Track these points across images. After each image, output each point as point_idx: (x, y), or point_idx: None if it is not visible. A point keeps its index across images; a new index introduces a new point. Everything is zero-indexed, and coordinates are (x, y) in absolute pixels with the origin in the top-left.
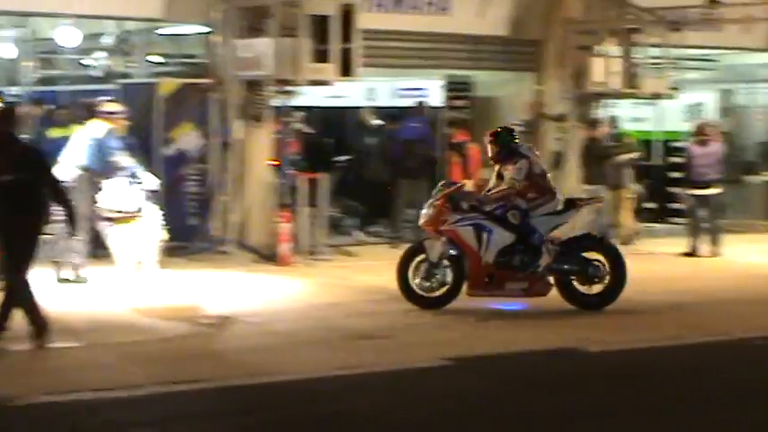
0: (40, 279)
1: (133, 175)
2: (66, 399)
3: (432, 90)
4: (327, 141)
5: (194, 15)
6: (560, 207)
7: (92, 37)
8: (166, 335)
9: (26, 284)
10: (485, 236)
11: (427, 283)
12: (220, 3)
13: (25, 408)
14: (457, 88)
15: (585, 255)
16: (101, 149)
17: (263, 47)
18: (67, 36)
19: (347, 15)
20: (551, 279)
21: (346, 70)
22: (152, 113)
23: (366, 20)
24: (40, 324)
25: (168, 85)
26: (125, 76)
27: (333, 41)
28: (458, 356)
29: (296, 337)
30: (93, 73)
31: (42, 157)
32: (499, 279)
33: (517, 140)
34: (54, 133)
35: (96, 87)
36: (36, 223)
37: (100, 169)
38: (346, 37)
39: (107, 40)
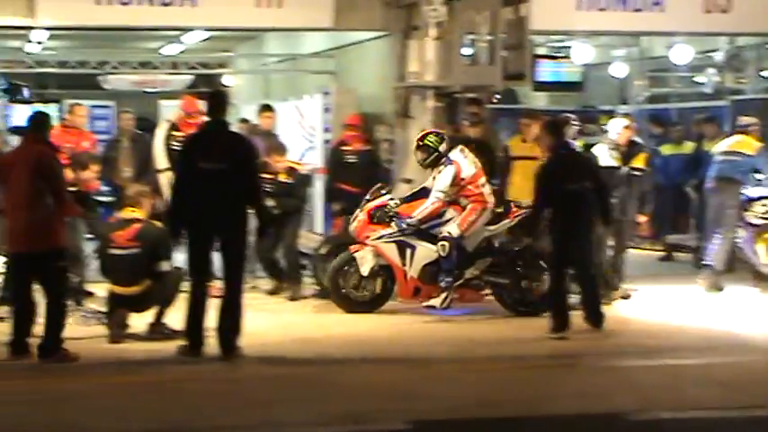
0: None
1: None
2: (680, 416)
3: None
4: None
5: None
6: (496, 214)
7: (703, 54)
8: None
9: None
10: (408, 252)
11: (359, 293)
12: None
13: (644, 422)
14: None
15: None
16: (751, 164)
17: None
18: (680, 54)
19: None
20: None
21: None
22: None
23: None
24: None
25: None
26: (736, 92)
27: None
28: None
29: None
30: (703, 90)
31: (594, 166)
32: (426, 291)
33: (444, 144)
34: (666, 150)
35: (706, 104)
36: (590, 226)
37: (744, 181)
38: None
39: (718, 57)
